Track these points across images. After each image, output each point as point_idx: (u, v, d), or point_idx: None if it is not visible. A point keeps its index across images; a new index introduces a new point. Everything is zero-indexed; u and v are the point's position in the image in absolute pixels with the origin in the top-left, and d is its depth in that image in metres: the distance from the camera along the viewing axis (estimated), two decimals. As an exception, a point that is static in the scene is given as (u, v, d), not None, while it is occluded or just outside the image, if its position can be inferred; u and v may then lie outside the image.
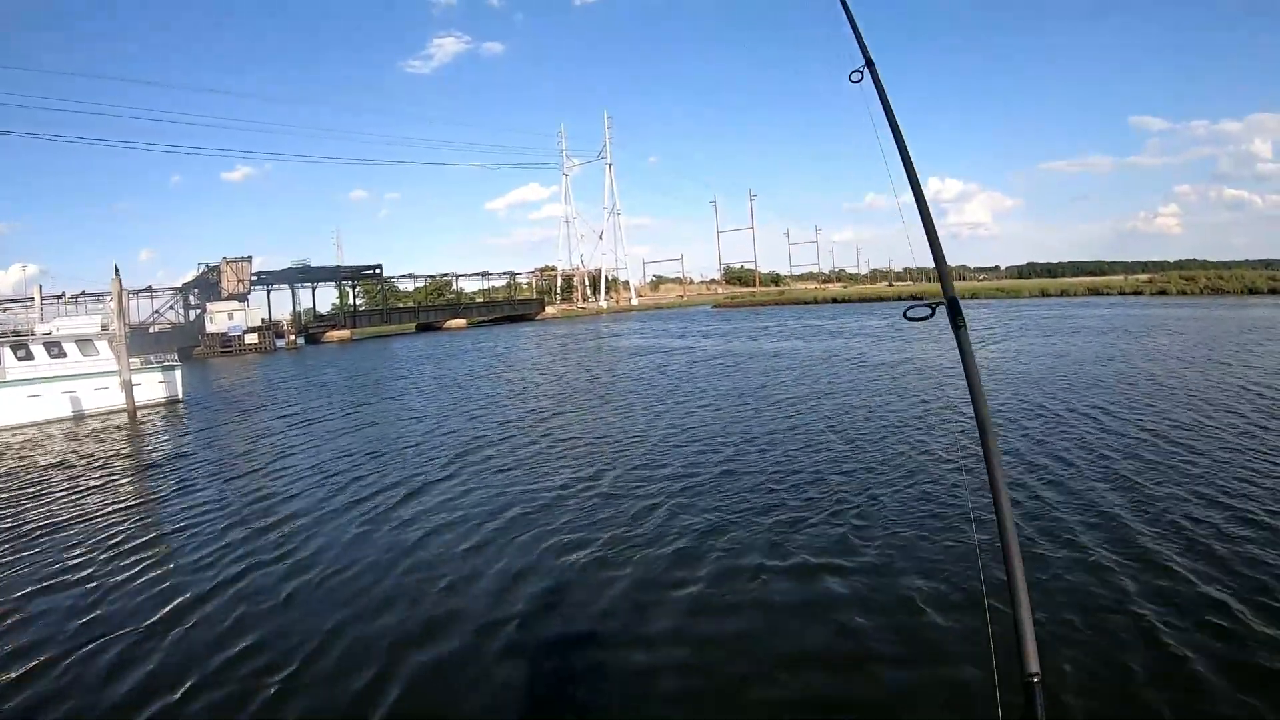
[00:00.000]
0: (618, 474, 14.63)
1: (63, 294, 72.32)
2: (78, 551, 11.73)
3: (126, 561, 11.02)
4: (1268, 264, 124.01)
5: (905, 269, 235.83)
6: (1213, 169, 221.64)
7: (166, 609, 9.20)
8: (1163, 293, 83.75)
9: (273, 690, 7.12)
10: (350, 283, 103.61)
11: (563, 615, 8.46)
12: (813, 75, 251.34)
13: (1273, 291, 69.24)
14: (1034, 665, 1.62)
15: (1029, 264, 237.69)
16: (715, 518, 11.35)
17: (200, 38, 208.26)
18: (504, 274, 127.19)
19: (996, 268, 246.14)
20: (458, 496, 13.74)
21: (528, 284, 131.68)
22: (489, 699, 6.88)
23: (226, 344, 75.13)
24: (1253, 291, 70.88)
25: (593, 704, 6.75)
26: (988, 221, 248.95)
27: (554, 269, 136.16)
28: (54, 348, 30.52)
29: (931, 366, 28.65)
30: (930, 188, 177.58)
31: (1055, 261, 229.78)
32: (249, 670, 7.54)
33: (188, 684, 7.31)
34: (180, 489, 16.07)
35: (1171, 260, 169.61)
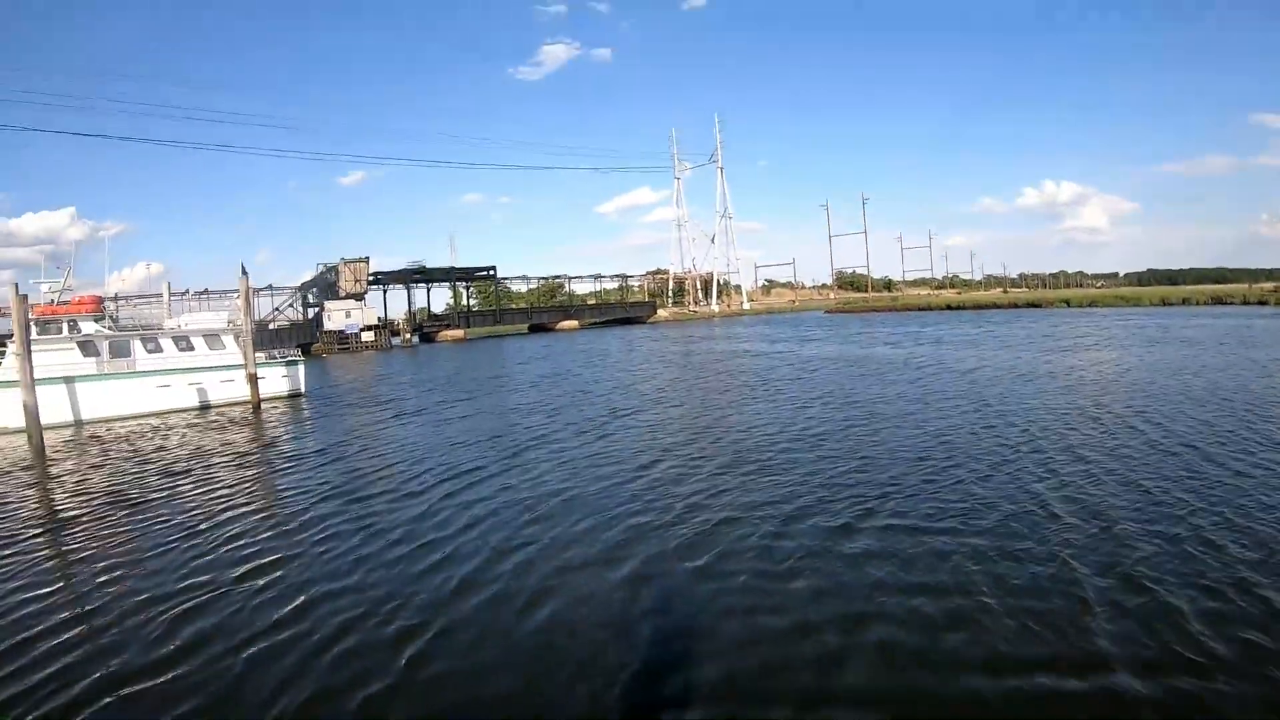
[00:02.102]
0: (703, 465, 15.03)
1: (187, 291, 75.32)
2: (196, 523, 12.67)
3: (237, 536, 11.75)
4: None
5: (1020, 275, 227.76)
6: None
7: (269, 576, 9.87)
8: (1289, 301, 77.93)
9: (338, 649, 7.61)
10: (464, 284, 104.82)
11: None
12: (923, 79, 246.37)
13: None
14: None
15: (1149, 270, 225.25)
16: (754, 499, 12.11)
17: (313, 48, 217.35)
18: (616, 276, 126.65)
19: (1115, 274, 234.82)
20: (544, 479, 14.42)
21: (640, 287, 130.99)
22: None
23: (344, 341, 76.66)
24: (1393, 302, 64.23)
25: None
26: (1104, 226, 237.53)
27: (666, 272, 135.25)
28: (182, 341, 30.95)
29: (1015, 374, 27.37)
30: (1044, 191, 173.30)
31: (1176, 268, 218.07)
32: (321, 626, 8.20)
33: (270, 639, 7.97)
34: (296, 474, 16.59)
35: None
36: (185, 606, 8.89)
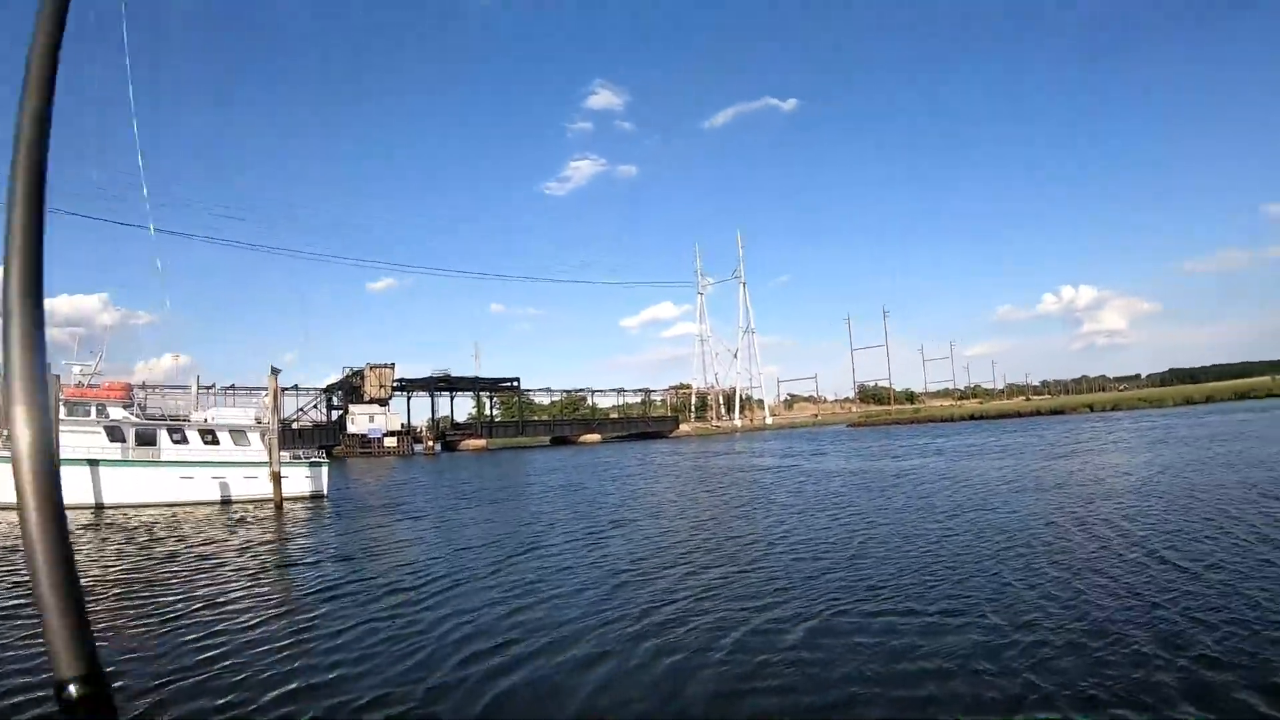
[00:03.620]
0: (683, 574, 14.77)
1: (213, 385, 75.96)
2: (203, 613, 12.34)
3: (255, 636, 11.11)
4: None
5: (1042, 382, 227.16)
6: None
7: (255, 666, 9.70)
8: (1315, 390, 77.15)
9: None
10: (488, 394, 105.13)
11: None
12: (942, 189, 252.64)
13: None
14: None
15: (1171, 370, 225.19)
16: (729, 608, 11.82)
17: (347, 155, 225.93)
18: (639, 391, 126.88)
19: (1137, 376, 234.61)
20: (532, 585, 14.08)
21: (662, 401, 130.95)
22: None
23: (366, 445, 76.37)
24: None
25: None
26: (1124, 328, 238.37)
27: (688, 387, 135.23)
28: (208, 435, 30.63)
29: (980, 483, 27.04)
30: (1062, 296, 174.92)
31: (1198, 366, 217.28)
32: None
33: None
34: (309, 574, 16.14)
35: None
36: (181, 683, 9.07)
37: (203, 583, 14.95)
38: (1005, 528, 17.21)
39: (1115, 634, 9.25)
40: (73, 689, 0.99)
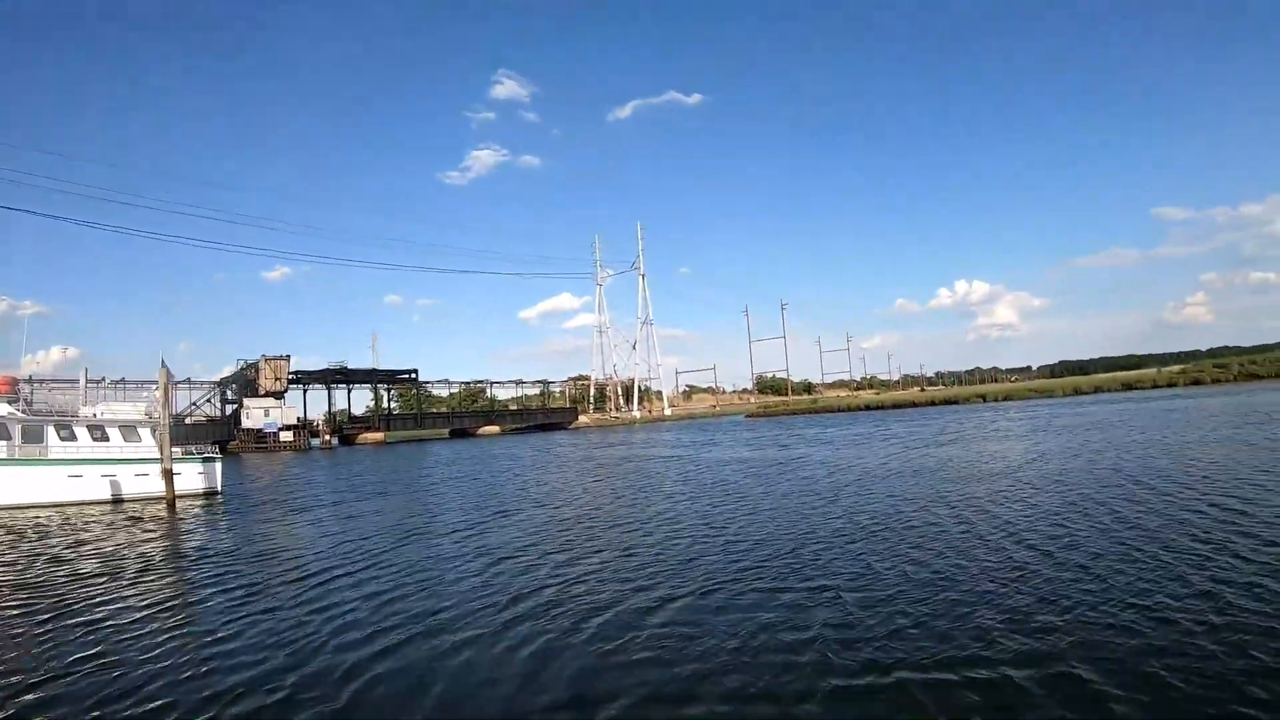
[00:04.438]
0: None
1: (103, 379, 73.26)
2: (105, 633, 11.38)
3: (154, 652, 10.40)
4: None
5: (937, 373, 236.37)
6: (1238, 254, 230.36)
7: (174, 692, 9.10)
8: (1196, 382, 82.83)
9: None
10: (386, 386, 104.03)
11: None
12: (839, 185, 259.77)
13: (1310, 374, 66.32)
14: None
15: (1060, 362, 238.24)
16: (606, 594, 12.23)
17: (242, 140, 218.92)
18: (538, 382, 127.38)
19: (1029, 368, 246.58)
20: (414, 574, 14.46)
21: (561, 393, 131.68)
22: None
23: (261, 440, 75.04)
24: (1288, 375, 67.63)
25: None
26: (1016, 322, 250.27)
27: (588, 378, 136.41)
28: (97, 431, 30.12)
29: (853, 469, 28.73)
30: (956, 291, 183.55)
31: (1087, 358, 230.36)
32: None
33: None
34: (213, 581, 15.44)
35: (1204, 349, 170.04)
36: (58, 688, 9.04)
37: (88, 585, 14.80)
38: (877, 512, 18.17)
39: (964, 608, 9.98)
40: None
